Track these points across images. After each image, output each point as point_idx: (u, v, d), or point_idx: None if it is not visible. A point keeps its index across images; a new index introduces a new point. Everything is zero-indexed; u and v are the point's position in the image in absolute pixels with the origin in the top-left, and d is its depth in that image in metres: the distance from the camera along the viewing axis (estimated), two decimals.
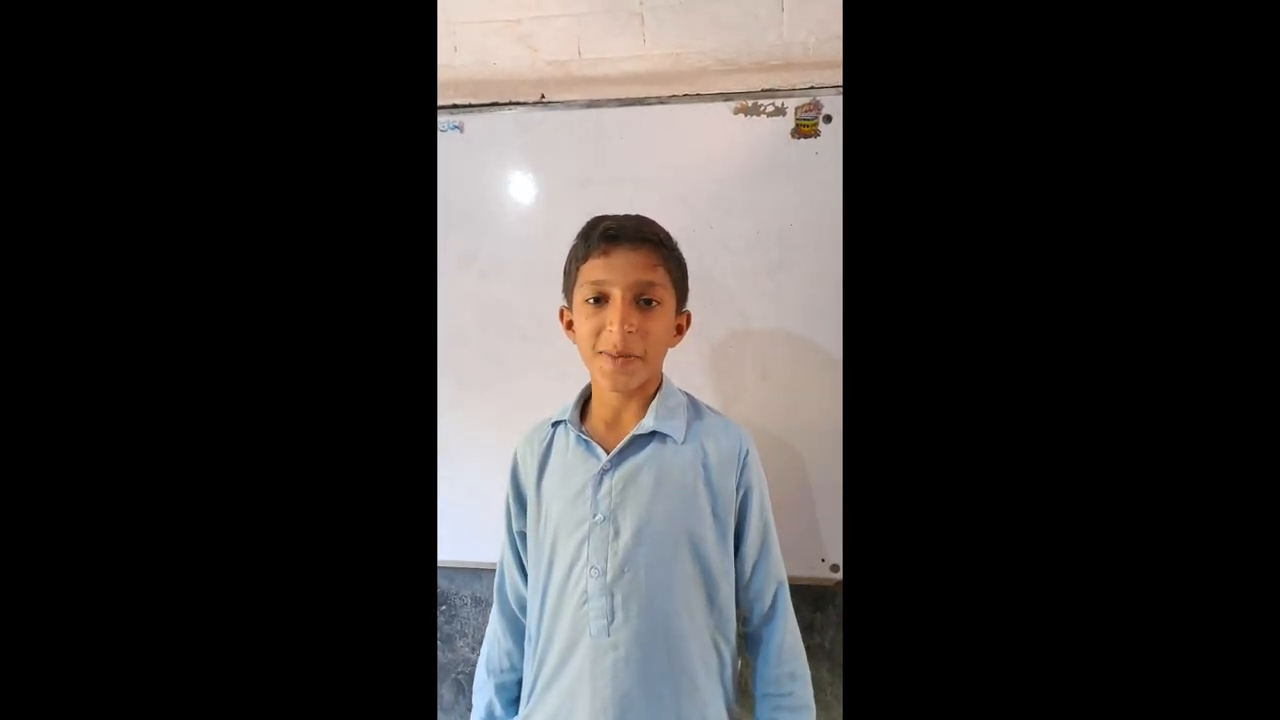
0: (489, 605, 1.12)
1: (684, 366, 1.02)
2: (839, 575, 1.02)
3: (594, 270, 0.71)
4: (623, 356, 0.70)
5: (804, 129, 0.98)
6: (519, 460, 0.81)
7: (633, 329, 0.70)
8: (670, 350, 0.78)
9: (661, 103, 1.01)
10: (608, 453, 0.74)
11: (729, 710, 0.75)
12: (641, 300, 0.71)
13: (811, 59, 1.00)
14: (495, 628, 0.85)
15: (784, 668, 0.76)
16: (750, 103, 0.99)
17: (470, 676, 1.14)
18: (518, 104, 1.05)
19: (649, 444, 0.74)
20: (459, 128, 1.05)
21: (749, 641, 0.79)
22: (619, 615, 0.71)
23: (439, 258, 1.05)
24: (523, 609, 0.82)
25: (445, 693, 1.15)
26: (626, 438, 0.74)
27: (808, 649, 1.05)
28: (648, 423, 0.74)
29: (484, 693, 0.83)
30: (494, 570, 1.12)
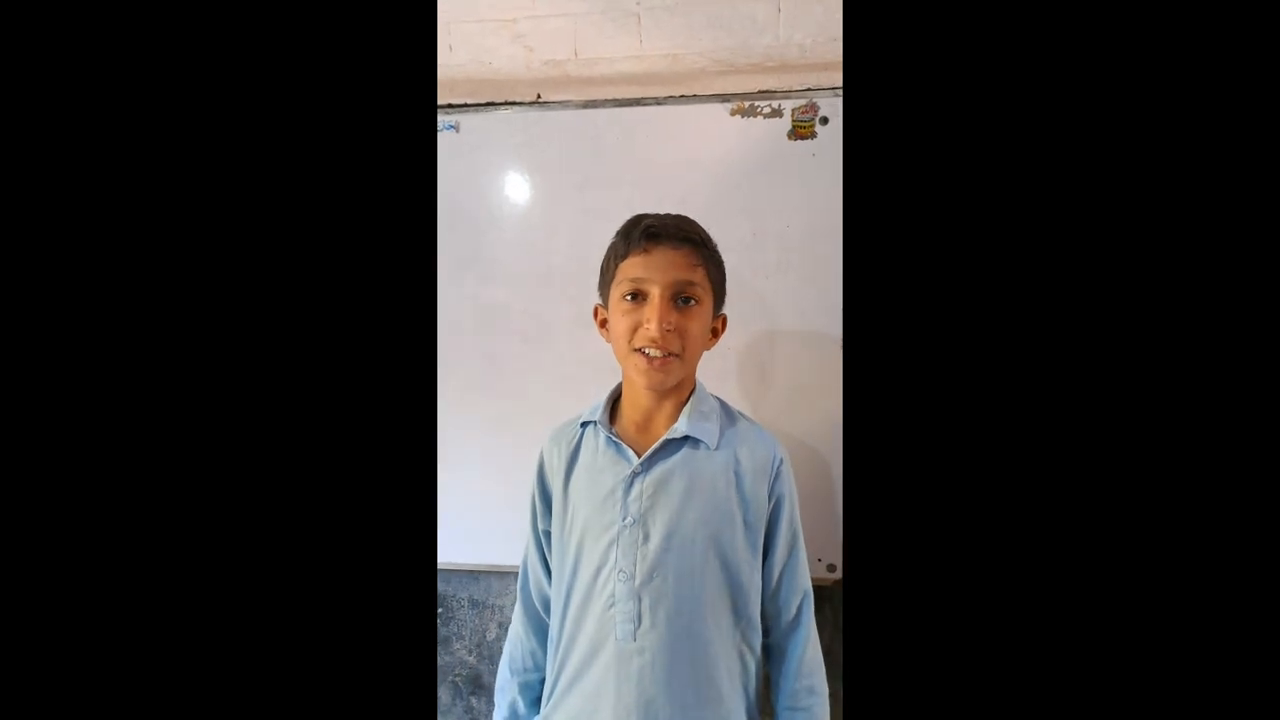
0: (485, 608, 1.13)
1: None
2: (835, 575, 1.02)
3: (634, 267, 0.71)
4: (660, 356, 0.70)
5: (801, 130, 0.98)
6: (545, 459, 0.80)
7: (671, 327, 0.69)
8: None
9: (658, 103, 1.01)
10: (638, 455, 0.73)
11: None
12: (681, 299, 0.71)
13: (808, 61, 1.01)
14: (518, 628, 0.84)
15: (803, 681, 0.75)
16: (747, 104, 0.99)
17: (467, 679, 1.14)
18: (514, 104, 1.05)
19: (681, 448, 0.73)
20: (454, 127, 1.05)
21: (771, 652, 0.78)
22: (646, 620, 0.70)
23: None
24: (546, 609, 0.81)
25: (442, 695, 1.15)
26: (659, 441, 0.73)
27: None
28: (681, 426, 0.73)
29: (507, 692, 0.82)
30: (490, 573, 1.12)
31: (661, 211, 0.77)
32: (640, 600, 0.71)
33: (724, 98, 0.99)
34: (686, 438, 0.73)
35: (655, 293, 0.69)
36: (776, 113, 0.98)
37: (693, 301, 0.71)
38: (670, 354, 0.70)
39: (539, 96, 1.06)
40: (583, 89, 1.05)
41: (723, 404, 0.80)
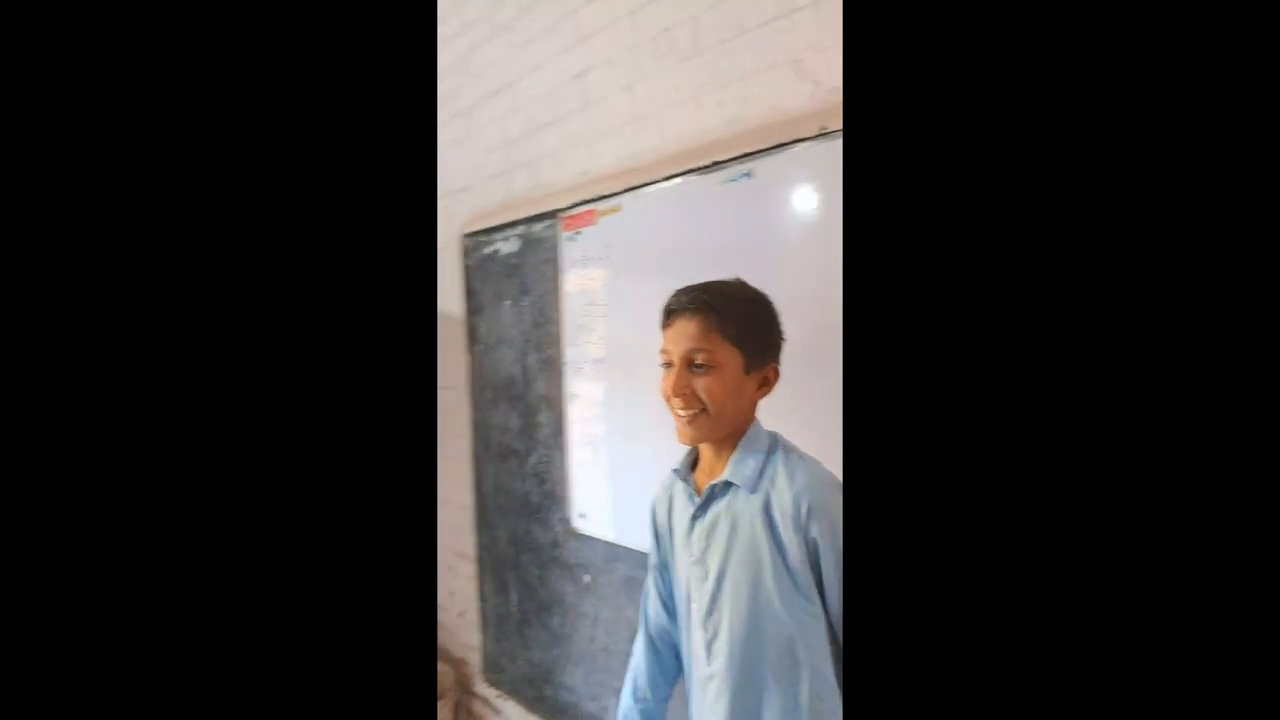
0: None
1: None
2: None
3: (664, 340, 0.80)
4: (686, 415, 0.76)
5: None
6: (655, 502, 0.91)
7: (686, 390, 0.76)
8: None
9: None
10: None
11: None
12: (695, 366, 0.76)
13: None
14: (639, 657, 0.92)
15: None
16: None
17: None
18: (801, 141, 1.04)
19: (727, 492, 0.78)
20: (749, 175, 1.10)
21: None
22: (711, 650, 0.77)
23: None
24: (663, 637, 0.90)
25: None
26: (706, 487, 0.79)
27: None
28: (725, 473, 0.78)
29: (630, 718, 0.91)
30: None
31: None
32: (705, 631, 0.78)
33: None
34: (729, 483, 0.77)
35: (675, 362, 0.77)
36: None
37: (707, 366, 0.75)
38: (699, 410, 0.75)
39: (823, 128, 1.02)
40: None
41: (774, 440, 0.80)
